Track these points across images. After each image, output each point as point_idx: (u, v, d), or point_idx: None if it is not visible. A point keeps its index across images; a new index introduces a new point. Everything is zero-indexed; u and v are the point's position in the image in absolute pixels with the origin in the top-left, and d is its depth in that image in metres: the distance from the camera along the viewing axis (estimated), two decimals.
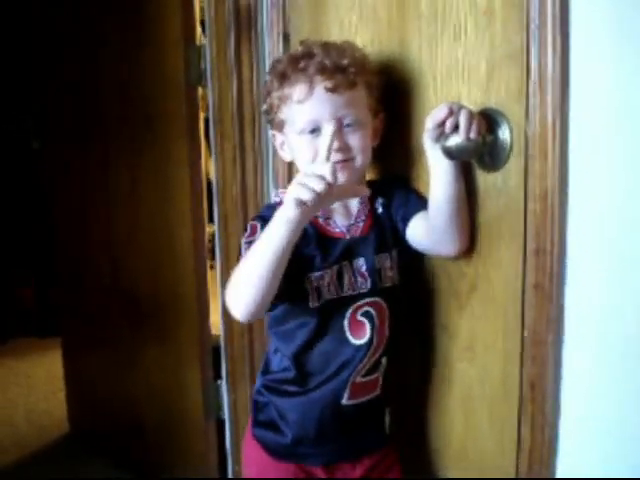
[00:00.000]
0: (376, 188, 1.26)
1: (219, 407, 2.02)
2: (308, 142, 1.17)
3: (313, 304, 1.17)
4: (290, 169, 1.59)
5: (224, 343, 1.90)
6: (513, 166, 1.14)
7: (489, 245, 1.20)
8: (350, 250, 1.20)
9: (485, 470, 1.27)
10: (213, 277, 2.03)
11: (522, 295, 1.15)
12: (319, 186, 0.97)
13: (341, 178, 1.12)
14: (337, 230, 1.22)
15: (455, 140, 1.09)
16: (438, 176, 1.15)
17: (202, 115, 2.00)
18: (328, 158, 1.04)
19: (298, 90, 1.15)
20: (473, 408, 1.28)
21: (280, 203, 1.09)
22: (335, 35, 1.40)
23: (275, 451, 1.26)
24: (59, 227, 2.64)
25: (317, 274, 1.17)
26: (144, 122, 2.08)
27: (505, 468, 1.23)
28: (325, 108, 1.14)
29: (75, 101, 2.33)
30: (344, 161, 1.16)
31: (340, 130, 1.15)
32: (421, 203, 1.23)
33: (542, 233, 1.11)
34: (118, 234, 2.29)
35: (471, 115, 1.09)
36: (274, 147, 1.35)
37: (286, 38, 1.57)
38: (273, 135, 1.29)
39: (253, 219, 1.21)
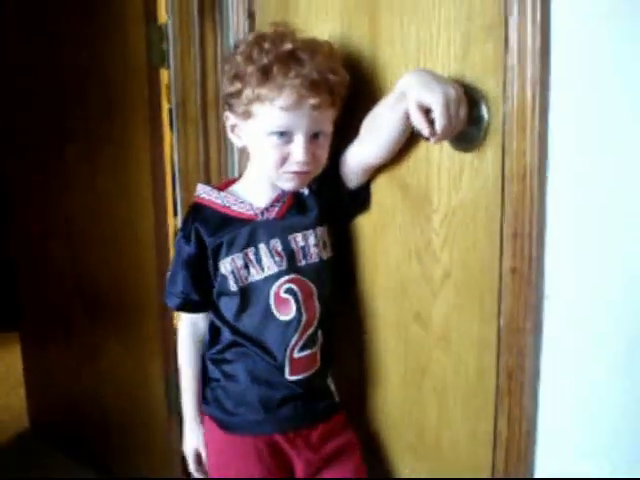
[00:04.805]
0: None
1: None
2: (275, 145, 1.16)
3: (233, 287, 1.22)
4: None
5: None
6: (489, 145, 1.09)
7: (464, 229, 1.14)
8: (264, 231, 1.22)
9: (460, 464, 1.22)
10: None
11: (499, 281, 1.10)
12: None
13: (297, 186, 1.21)
14: (248, 212, 1.23)
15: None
16: (393, 128, 1.14)
17: (167, 105, 1.89)
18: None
19: (284, 98, 1.12)
20: (447, 399, 1.22)
21: (198, 204, 1.26)
22: (303, 10, 1.34)
23: (228, 425, 1.27)
24: (17, 223, 2.56)
25: (229, 259, 1.21)
26: (104, 107, 1.98)
27: (480, 462, 1.18)
28: (304, 121, 1.14)
29: (29, 85, 2.23)
30: (306, 172, 1.19)
31: (310, 142, 1.16)
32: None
33: (520, 215, 1.06)
34: (77, 227, 2.21)
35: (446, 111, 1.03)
36: None
37: (251, 16, 1.49)
38: (226, 116, 1.25)
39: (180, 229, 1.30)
